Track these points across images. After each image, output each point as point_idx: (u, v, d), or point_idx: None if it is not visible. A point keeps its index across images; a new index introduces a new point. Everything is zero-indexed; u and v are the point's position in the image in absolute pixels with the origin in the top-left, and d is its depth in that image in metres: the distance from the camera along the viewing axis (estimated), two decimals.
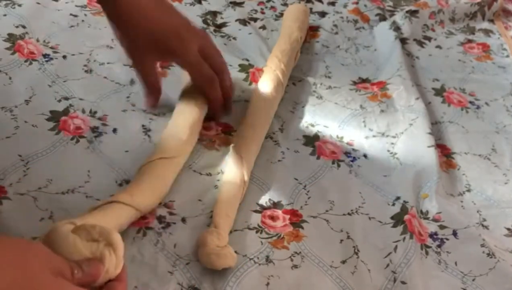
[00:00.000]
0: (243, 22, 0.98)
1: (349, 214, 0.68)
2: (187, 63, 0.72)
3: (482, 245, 0.67)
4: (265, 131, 0.75)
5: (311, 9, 1.04)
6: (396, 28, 1.01)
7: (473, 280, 0.64)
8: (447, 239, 0.67)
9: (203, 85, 0.73)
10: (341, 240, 0.65)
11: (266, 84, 0.80)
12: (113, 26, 0.70)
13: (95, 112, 0.74)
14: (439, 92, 0.91)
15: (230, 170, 0.67)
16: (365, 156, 0.76)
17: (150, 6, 0.69)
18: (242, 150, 0.69)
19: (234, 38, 0.94)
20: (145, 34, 0.68)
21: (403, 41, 1.00)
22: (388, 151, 0.78)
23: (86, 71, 0.80)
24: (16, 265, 0.43)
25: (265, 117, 0.76)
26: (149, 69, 0.72)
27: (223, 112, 0.77)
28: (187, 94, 0.76)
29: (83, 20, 0.90)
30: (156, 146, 0.69)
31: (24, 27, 0.84)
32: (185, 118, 0.72)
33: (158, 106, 0.75)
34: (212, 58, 0.73)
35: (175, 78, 0.80)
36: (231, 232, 0.63)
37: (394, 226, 0.67)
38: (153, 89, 0.74)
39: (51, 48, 0.83)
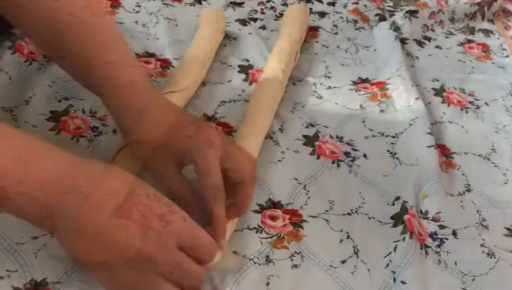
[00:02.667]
0: (243, 22, 0.98)
1: (349, 214, 0.68)
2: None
3: (482, 245, 0.67)
4: (265, 131, 0.75)
5: (311, 9, 1.04)
6: (396, 28, 1.01)
7: (473, 280, 0.64)
8: (446, 239, 0.68)
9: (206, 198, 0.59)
10: (341, 240, 0.65)
11: (266, 85, 0.80)
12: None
13: (95, 112, 0.74)
14: (439, 92, 0.91)
15: None
16: (365, 156, 0.76)
17: (150, 115, 0.62)
18: None
19: (234, 39, 0.94)
20: (160, 146, 0.61)
21: (402, 41, 1.00)
22: (388, 151, 0.78)
23: None
24: None
25: (265, 117, 0.76)
26: (172, 179, 0.61)
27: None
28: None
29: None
30: (167, 82, 0.79)
31: None
32: (193, 57, 0.83)
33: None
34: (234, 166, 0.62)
35: None
36: None
37: (394, 226, 0.67)
38: (188, 201, 0.60)
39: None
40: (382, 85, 0.88)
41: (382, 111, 0.84)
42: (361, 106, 0.84)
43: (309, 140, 0.77)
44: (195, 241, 0.53)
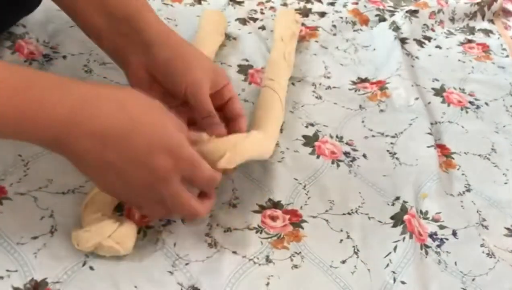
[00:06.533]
0: (243, 21, 0.98)
1: (348, 214, 0.68)
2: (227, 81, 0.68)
3: (482, 245, 0.67)
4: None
5: (310, 9, 1.04)
6: (396, 28, 1.01)
7: (473, 280, 0.64)
8: (446, 239, 0.68)
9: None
10: (341, 240, 0.65)
11: (267, 106, 0.77)
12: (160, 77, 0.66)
13: None
14: (439, 92, 0.91)
15: None
16: (364, 156, 0.76)
17: (184, 44, 0.68)
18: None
19: (234, 38, 0.94)
20: (198, 68, 0.65)
21: (402, 41, 1.00)
22: (388, 151, 0.78)
23: (86, 71, 0.80)
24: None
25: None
26: (207, 98, 0.65)
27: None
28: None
29: None
30: None
31: (24, 26, 0.84)
32: None
33: None
34: None
35: None
36: (230, 231, 0.63)
37: (394, 226, 0.67)
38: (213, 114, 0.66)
39: (51, 48, 0.83)
40: (381, 84, 0.89)
41: (381, 110, 0.84)
42: (360, 106, 0.84)
43: (309, 140, 0.77)
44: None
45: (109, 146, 0.51)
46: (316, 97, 0.85)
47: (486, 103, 0.90)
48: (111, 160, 0.52)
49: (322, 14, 1.04)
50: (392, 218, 0.68)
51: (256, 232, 0.64)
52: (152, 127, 0.53)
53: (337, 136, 0.79)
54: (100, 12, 0.66)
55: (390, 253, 0.64)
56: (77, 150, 0.51)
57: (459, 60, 0.99)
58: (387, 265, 0.63)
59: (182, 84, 0.64)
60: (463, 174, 0.77)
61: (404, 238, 0.65)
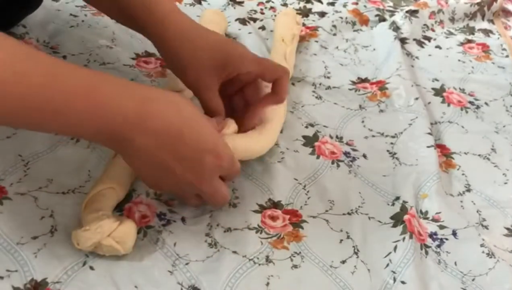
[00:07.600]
0: (243, 21, 0.98)
1: (348, 214, 0.68)
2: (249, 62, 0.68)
3: (482, 245, 0.67)
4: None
5: (310, 9, 1.04)
6: (396, 28, 1.01)
7: (473, 280, 0.64)
8: (446, 239, 0.68)
9: (276, 75, 0.69)
10: (341, 240, 0.65)
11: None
12: (169, 58, 0.68)
13: None
14: (439, 92, 0.91)
15: None
16: (364, 156, 0.76)
17: (195, 27, 0.68)
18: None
19: (234, 38, 0.94)
20: (203, 52, 0.66)
21: (402, 41, 1.00)
22: (388, 151, 0.78)
23: None
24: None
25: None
26: (214, 92, 0.67)
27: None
28: None
29: (83, 20, 0.90)
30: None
31: (24, 26, 0.84)
32: None
33: None
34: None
35: None
36: (230, 231, 0.63)
37: (394, 226, 0.67)
38: (217, 113, 0.67)
39: (51, 48, 0.83)
40: (381, 84, 0.89)
41: (381, 111, 0.84)
42: (360, 106, 0.84)
43: (309, 141, 0.77)
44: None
45: (165, 145, 0.55)
46: (316, 97, 0.85)
47: (486, 103, 0.90)
48: (164, 158, 0.55)
49: (322, 14, 1.04)
50: (392, 218, 0.68)
51: (256, 232, 0.64)
52: (203, 129, 0.57)
53: (337, 136, 0.79)
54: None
55: (390, 253, 0.64)
56: (134, 147, 0.54)
57: (459, 60, 1.00)
58: (387, 265, 0.63)
59: (188, 78, 0.66)
60: (463, 174, 0.77)
61: (404, 238, 0.65)
